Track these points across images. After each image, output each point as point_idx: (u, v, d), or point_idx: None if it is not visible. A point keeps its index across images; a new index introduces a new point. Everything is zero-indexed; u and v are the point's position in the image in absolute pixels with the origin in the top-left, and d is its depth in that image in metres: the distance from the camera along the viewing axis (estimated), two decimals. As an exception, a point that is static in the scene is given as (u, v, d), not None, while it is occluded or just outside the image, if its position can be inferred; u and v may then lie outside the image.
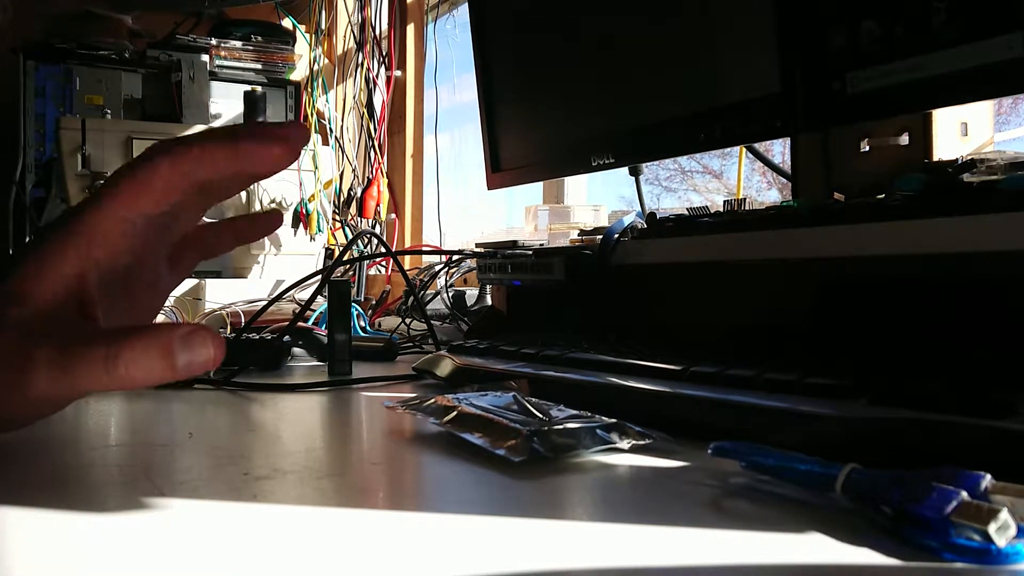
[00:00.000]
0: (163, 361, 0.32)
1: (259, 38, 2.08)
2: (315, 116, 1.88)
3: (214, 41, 2.01)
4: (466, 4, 1.01)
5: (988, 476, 0.27)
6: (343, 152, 1.90)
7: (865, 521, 0.28)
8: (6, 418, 0.36)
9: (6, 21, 1.78)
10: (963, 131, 0.65)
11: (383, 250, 1.56)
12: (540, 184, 1.55)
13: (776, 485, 0.34)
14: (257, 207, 1.69)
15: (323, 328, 0.89)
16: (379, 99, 1.87)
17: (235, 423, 0.54)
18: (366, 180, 1.84)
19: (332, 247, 1.74)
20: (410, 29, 1.92)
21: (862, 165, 0.67)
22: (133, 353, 0.32)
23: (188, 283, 1.59)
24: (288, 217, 1.72)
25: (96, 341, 0.32)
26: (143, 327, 0.33)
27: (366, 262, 1.56)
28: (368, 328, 1.12)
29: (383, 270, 1.70)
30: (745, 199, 0.69)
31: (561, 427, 0.39)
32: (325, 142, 1.84)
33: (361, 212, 1.79)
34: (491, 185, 1.01)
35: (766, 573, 0.25)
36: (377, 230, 1.79)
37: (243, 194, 1.69)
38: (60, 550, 0.26)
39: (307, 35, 2.04)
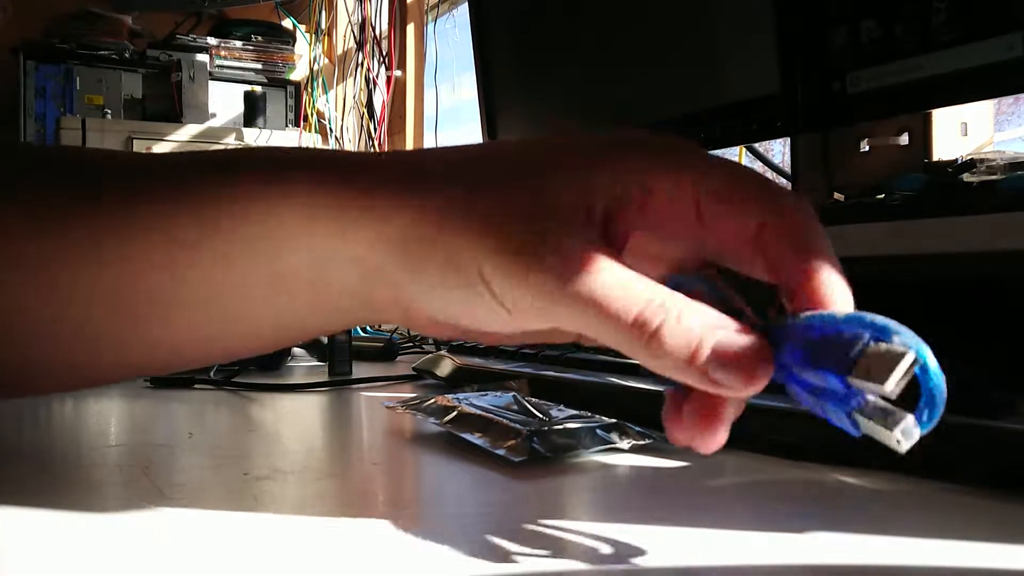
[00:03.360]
0: (689, 352, 0.23)
1: (259, 38, 2.08)
2: (315, 116, 1.88)
3: (214, 41, 2.01)
4: (466, 3, 1.01)
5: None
6: (343, 152, 1.90)
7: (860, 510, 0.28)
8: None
9: (6, 21, 1.78)
10: (963, 131, 0.65)
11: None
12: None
13: (777, 485, 0.34)
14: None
15: (323, 328, 0.89)
16: (379, 99, 1.87)
17: (235, 423, 0.54)
18: (366, 180, 1.84)
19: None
20: (410, 29, 1.92)
21: (862, 165, 0.67)
22: (681, 316, 0.23)
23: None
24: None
25: (634, 280, 0.24)
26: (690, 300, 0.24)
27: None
28: (368, 328, 1.12)
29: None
30: (745, 199, 0.69)
31: (561, 427, 0.39)
32: (325, 142, 1.84)
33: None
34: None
35: (766, 573, 0.25)
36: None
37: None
38: (60, 550, 0.26)
39: (307, 35, 2.04)
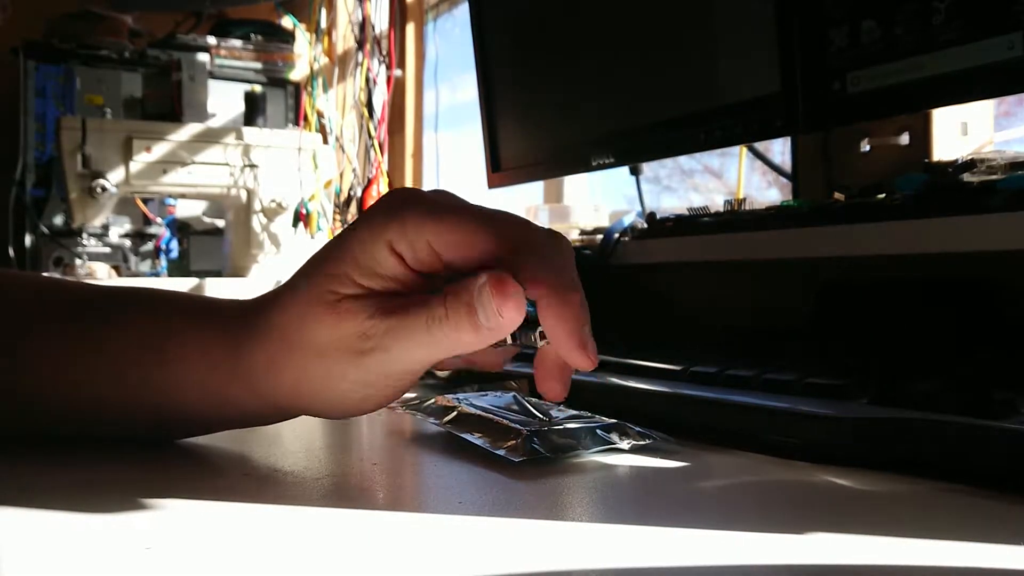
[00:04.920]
0: (469, 320, 0.31)
1: (259, 37, 2.09)
2: (315, 116, 1.88)
3: (214, 41, 2.01)
4: (466, 3, 1.01)
5: None
6: (343, 152, 1.90)
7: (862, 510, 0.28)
8: (333, 400, 0.35)
9: (6, 20, 1.78)
10: (963, 131, 0.65)
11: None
12: (540, 184, 1.55)
13: (776, 485, 0.34)
14: (258, 207, 1.69)
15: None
16: (379, 99, 1.86)
17: (235, 423, 0.54)
18: (366, 180, 1.84)
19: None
20: (410, 28, 1.92)
21: (862, 165, 0.67)
22: (451, 309, 0.32)
23: (189, 283, 1.59)
24: (288, 217, 1.72)
25: (413, 304, 0.33)
26: (453, 287, 0.32)
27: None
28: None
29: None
30: (745, 199, 0.69)
31: (561, 427, 0.39)
32: (325, 142, 1.84)
33: (361, 212, 1.79)
34: (491, 185, 1.01)
35: (766, 573, 0.25)
36: (377, 230, 1.78)
37: (244, 193, 1.69)
38: (60, 550, 0.26)
39: (307, 34, 2.04)
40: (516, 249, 0.32)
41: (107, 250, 1.65)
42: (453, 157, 1.78)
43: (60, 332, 0.40)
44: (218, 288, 1.53)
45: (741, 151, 0.84)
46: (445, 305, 0.32)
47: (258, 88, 1.87)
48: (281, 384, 0.35)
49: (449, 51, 1.74)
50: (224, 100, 2.01)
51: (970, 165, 0.52)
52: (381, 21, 1.88)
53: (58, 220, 1.83)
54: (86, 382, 0.39)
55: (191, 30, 2.04)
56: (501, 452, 0.38)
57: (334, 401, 0.35)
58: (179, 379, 0.37)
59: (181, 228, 2.02)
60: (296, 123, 2.02)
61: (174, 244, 1.80)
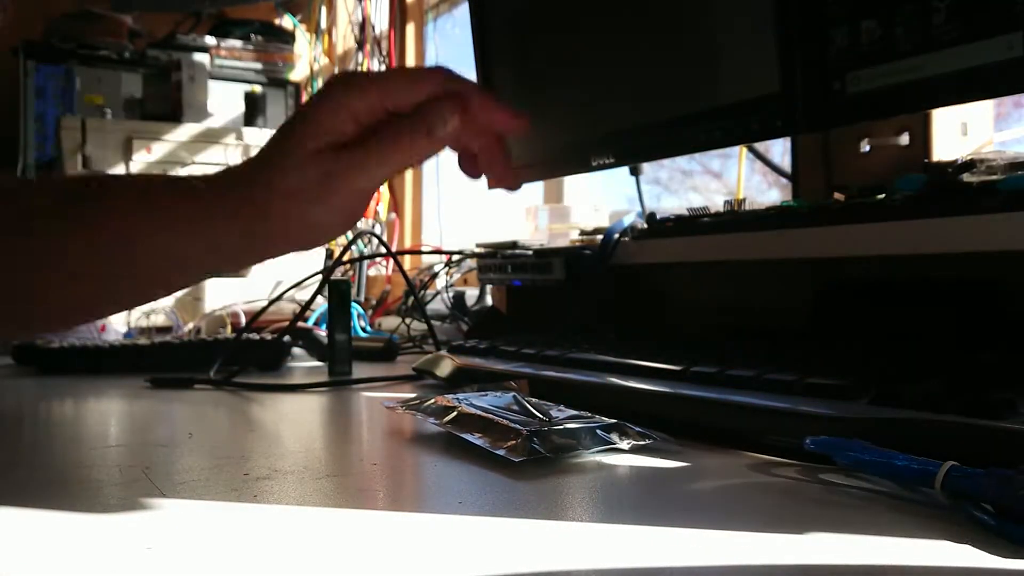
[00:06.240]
0: (425, 131, 0.46)
1: (259, 38, 2.09)
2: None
3: (214, 41, 2.01)
4: (466, 3, 1.01)
5: None
6: (343, 152, 1.90)
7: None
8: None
9: (6, 21, 1.78)
10: (963, 131, 0.65)
11: (383, 250, 1.56)
12: (540, 184, 1.54)
13: (775, 485, 0.34)
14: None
15: (323, 328, 0.89)
16: (379, 99, 1.86)
17: (235, 423, 0.54)
18: (366, 180, 1.84)
19: (332, 247, 1.74)
20: (410, 28, 1.92)
21: (862, 165, 0.67)
22: (410, 126, 0.45)
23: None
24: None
25: (365, 139, 0.45)
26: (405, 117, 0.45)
27: (366, 262, 1.56)
28: (368, 328, 1.12)
29: (383, 270, 1.70)
30: (745, 199, 0.69)
31: (561, 427, 0.39)
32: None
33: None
34: (491, 185, 1.01)
35: (766, 573, 0.25)
36: (377, 230, 1.78)
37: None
38: (60, 550, 0.26)
39: (307, 34, 2.04)
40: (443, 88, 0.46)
41: (107, 250, 1.65)
42: (453, 157, 1.78)
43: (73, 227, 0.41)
44: (218, 288, 1.53)
45: (741, 151, 0.84)
46: (400, 127, 0.44)
47: (258, 88, 1.87)
48: (272, 224, 0.44)
49: (449, 51, 1.74)
50: (224, 100, 2.01)
51: (970, 165, 0.52)
52: (381, 21, 1.88)
53: (58, 220, 1.83)
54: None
55: (191, 30, 2.04)
56: (501, 452, 0.38)
57: (314, 229, 0.45)
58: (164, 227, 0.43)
59: (181, 228, 2.02)
60: (296, 123, 2.02)
61: (174, 244, 1.80)
